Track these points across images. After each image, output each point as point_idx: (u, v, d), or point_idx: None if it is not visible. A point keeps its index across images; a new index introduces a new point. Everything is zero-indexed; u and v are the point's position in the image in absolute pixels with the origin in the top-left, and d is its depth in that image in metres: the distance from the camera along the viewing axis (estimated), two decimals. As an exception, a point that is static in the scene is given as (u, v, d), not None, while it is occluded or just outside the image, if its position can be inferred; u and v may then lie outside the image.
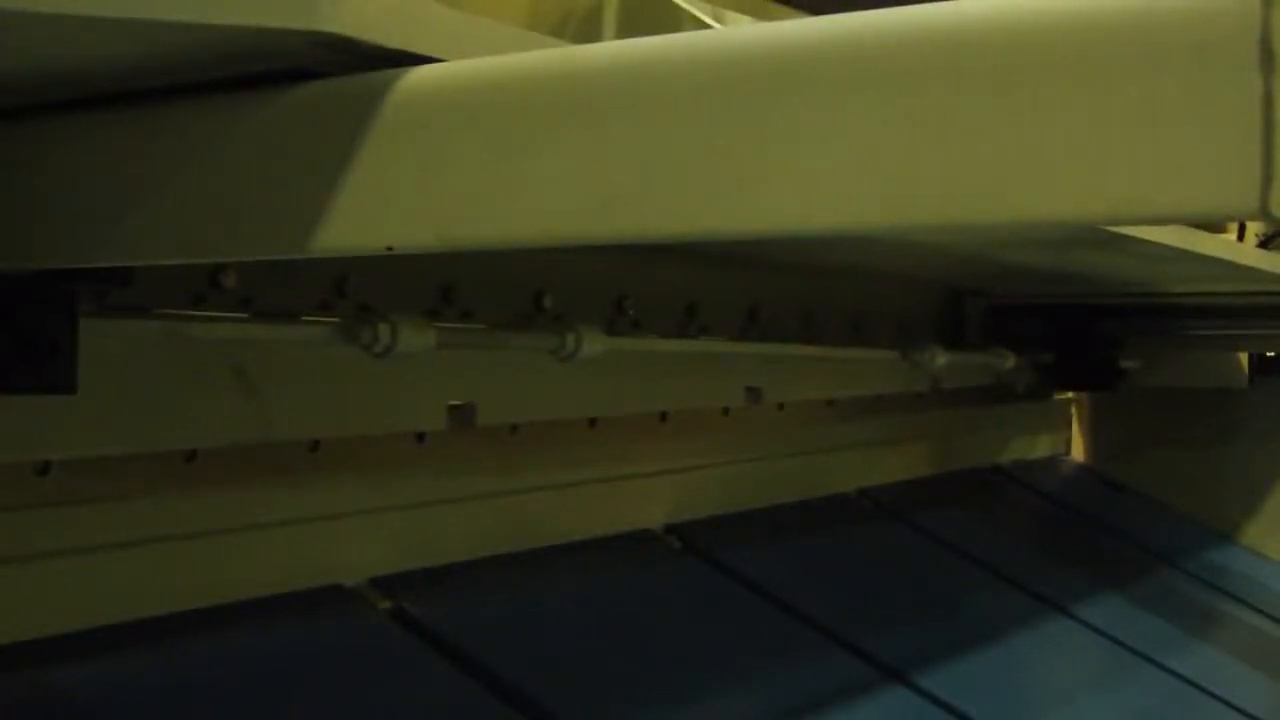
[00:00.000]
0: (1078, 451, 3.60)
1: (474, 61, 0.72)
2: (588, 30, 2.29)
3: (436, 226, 0.73)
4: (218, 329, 1.33)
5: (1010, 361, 2.60)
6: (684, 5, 2.35)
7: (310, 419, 1.53)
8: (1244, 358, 3.34)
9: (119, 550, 1.41)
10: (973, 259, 2.13)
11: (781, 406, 2.37)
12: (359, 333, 1.34)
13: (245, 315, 1.39)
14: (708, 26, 2.24)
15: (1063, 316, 2.80)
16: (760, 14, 2.32)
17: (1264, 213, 0.53)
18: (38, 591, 1.35)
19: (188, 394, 1.38)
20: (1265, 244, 2.87)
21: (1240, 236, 2.87)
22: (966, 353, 2.55)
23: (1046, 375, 2.89)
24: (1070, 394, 3.53)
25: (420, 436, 1.70)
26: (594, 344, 1.59)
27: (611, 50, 0.68)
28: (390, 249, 0.74)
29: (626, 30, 2.31)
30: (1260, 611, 2.99)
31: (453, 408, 1.69)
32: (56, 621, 1.35)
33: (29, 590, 1.34)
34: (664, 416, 2.11)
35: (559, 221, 0.69)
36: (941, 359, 2.34)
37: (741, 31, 0.65)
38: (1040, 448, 3.47)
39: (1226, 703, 2.38)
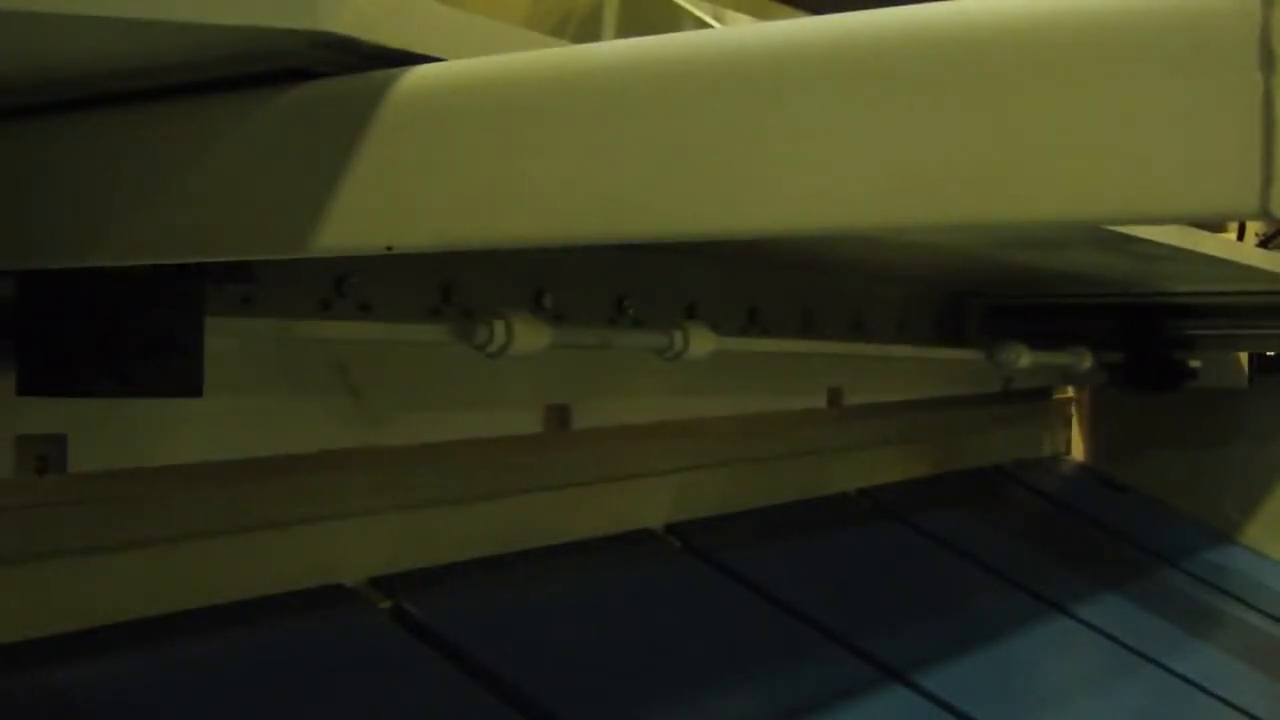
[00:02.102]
0: (1078, 451, 3.60)
1: (474, 61, 0.72)
2: (588, 30, 2.29)
3: (436, 226, 0.73)
4: (332, 329, 1.31)
5: (1088, 361, 2.54)
6: (684, 5, 2.35)
7: (411, 422, 1.52)
8: (1244, 358, 3.34)
9: (118, 551, 1.41)
10: (976, 258, 2.13)
11: (782, 406, 2.37)
12: (473, 332, 1.32)
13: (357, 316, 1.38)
14: (708, 26, 2.24)
15: (1061, 316, 2.79)
16: (760, 14, 2.32)
17: (1264, 213, 0.53)
18: (38, 592, 1.35)
19: (294, 396, 1.37)
20: (1265, 243, 2.87)
21: (1240, 236, 2.87)
22: (1046, 352, 2.49)
23: (1113, 375, 2.83)
24: (1070, 394, 3.53)
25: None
26: (702, 344, 1.57)
27: (611, 50, 0.68)
28: (390, 248, 0.74)
29: (626, 30, 2.31)
30: (1261, 611, 2.99)
31: (548, 410, 1.67)
32: (56, 622, 1.35)
33: (29, 590, 1.34)
34: (663, 417, 2.11)
35: (559, 221, 0.69)
36: (1025, 359, 2.28)
37: (741, 31, 0.65)
38: (1040, 447, 3.47)
39: (1227, 702, 2.38)
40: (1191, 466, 3.47)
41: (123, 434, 1.22)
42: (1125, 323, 2.72)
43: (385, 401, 1.47)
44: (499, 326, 1.32)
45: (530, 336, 1.34)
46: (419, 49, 0.73)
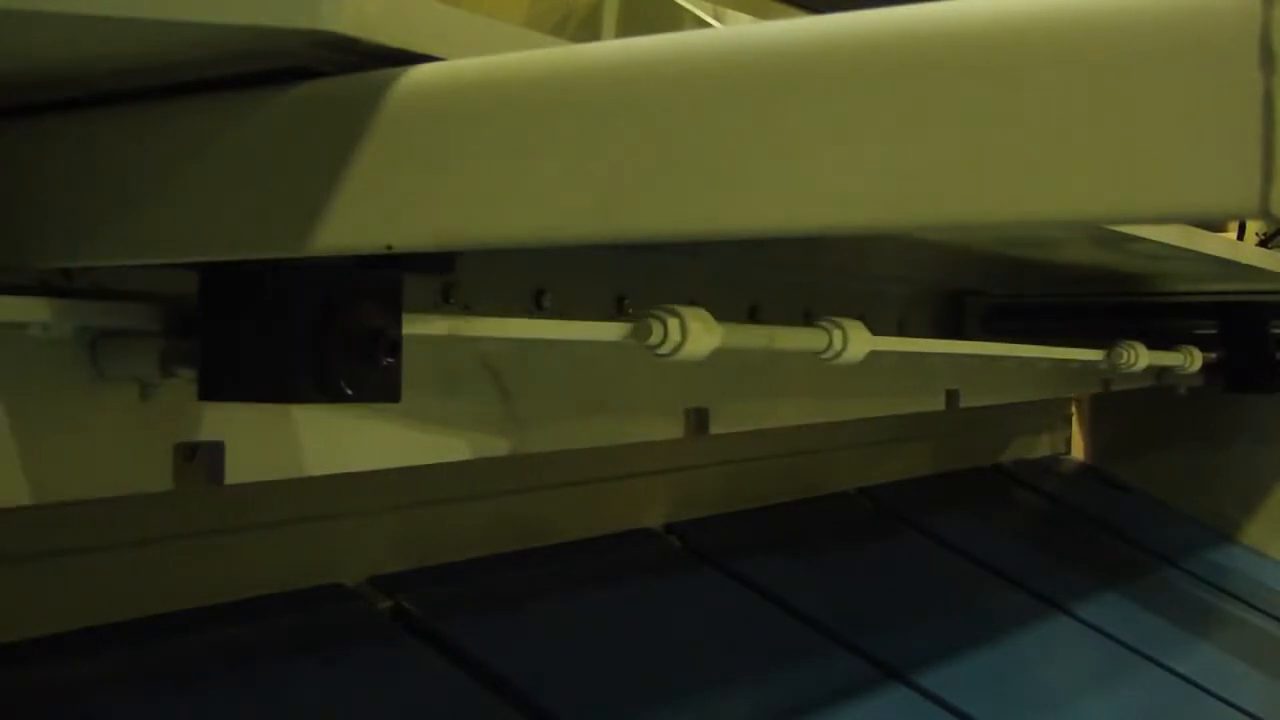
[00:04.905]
0: (1078, 451, 3.60)
1: (474, 61, 0.72)
2: (588, 30, 2.29)
3: (436, 226, 0.73)
4: (505, 326, 1.23)
5: (1197, 361, 2.47)
6: (684, 4, 2.35)
7: (559, 427, 1.46)
8: (1244, 357, 3.33)
9: (118, 550, 1.41)
10: (974, 256, 2.13)
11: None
12: (649, 331, 1.24)
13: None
14: (708, 26, 2.24)
15: (1061, 316, 2.79)
16: (761, 13, 2.32)
17: (1264, 212, 0.52)
18: (38, 590, 1.35)
19: (449, 399, 1.29)
20: (1265, 243, 2.87)
21: (1240, 235, 2.87)
22: (1159, 352, 2.41)
23: (1212, 375, 2.77)
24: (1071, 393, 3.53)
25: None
26: (860, 345, 1.49)
27: (611, 50, 0.68)
28: (390, 248, 0.74)
29: (626, 30, 2.31)
30: (1261, 611, 2.99)
31: (688, 414, 1.63)
32: (57, 621, 1.35)
33: (30, 589, 1.34)
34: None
35: (559, 221, 0.69)
36: (1143, 359, 2.20)
37: (742, 31, 0.65)
38: (1040, 447, 3.47)
39: (1227, 702, 2.38)
40: (1191, 466, 3.47)
41: (281, 441, 1.12)
42: (1225, 322, 2.66)
43: (533, 405, 1.39)
44: (673, 325, 1.24)
45: (705, 336, 1.26)
46: (419, 49, 0.73)
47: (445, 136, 0.71)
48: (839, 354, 1.47)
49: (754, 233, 0.67)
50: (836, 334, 1.47)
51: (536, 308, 1.71)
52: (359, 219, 0.74)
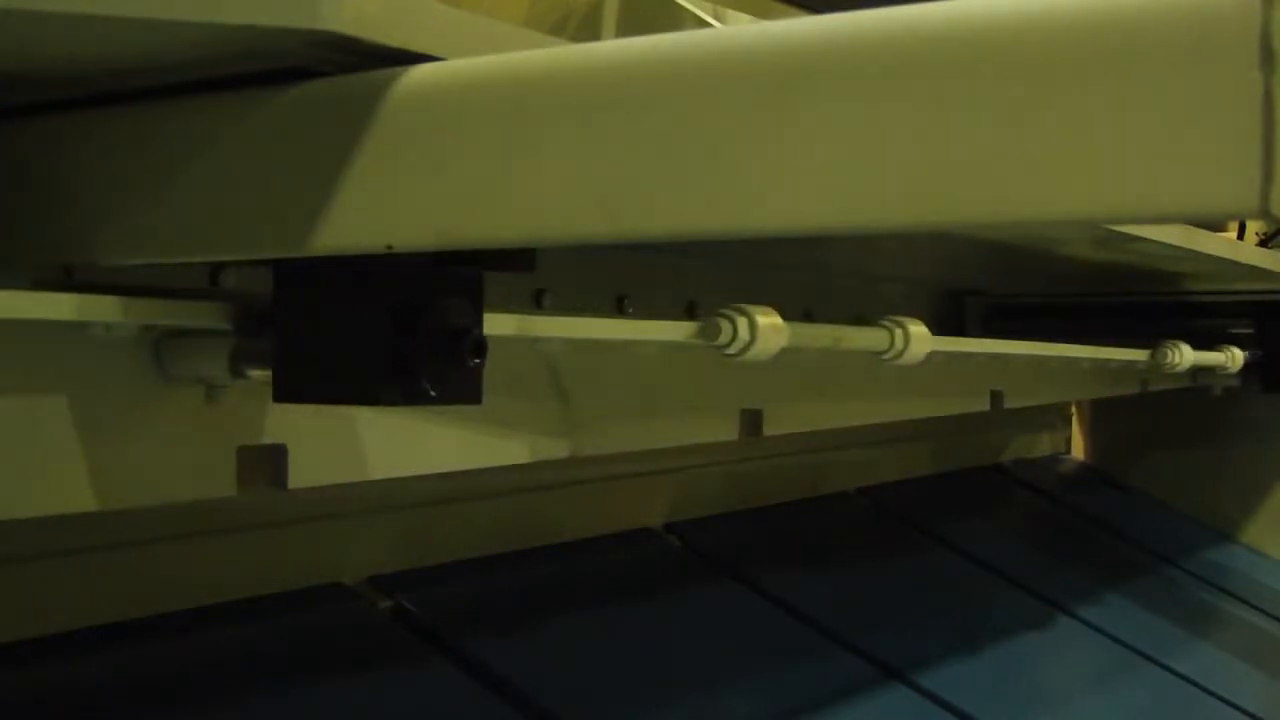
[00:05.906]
0: (1078, 451, 3.60)
1: (474, 60, 0.72)
2: (587, 30, 2.29)
3: (436, 226, 0.73)
4: (570, 327, 1.20)
5: (1239, 361, 2.44)
6: (684, 4, 2.35)
7: (618, 430, 1.43)
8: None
9: (117, 550, 1.41)
10: (972, 253, 2.13)
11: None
12: (718, 330, 1.20)
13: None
14: (708, 25, 2.24)
15: (1062, 316, 2.79)
16: (761, 13, 2.32)
17: (1264, 212, 0.52)
18: (42, 589, 1.35)
19: (509, 400, 1.25)
20: (1265, 243, 2.87)
21: (1240, 235, 2.87)
22: (1201, 352, 2.37)
23: (1246, 376, 2.75)
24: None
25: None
26: (921, 345, 1.47)
27: (611, 50, 0.68)
28: (390, 248, 0.74)
29: (626, 29, 2.31)
30: (1261, 610, 2.99)
31: (742, 416, 1.61)
32: (60, 620, 1.35)
33: (34, 588, 1.34)
34: (663, 416, 2.11)
35: (559, 221, 0.69)
36: (1188, 359, 2.19)
37: (742, 31, 0.65)
38: (1041, 446, 3.47)
39: (1227, 701, 2.38)
40: (1191, 466, 3.47)
41: (343, 444, 1.08)
42: (1262, 322, 2.63)
43: (592, 407, 1.36)
44: (742, 324, 1.20)
45: (773, 336, 1.22)
46: (419, 48, 0.73)
47: (445, 136, 0.71)
48: (900, 354, 1.46)
49: (754, 233, 0.67)
50: (899, 334, 1.46)
51: (536, 306, 1.71)
52: (359, 219, 0.74)
